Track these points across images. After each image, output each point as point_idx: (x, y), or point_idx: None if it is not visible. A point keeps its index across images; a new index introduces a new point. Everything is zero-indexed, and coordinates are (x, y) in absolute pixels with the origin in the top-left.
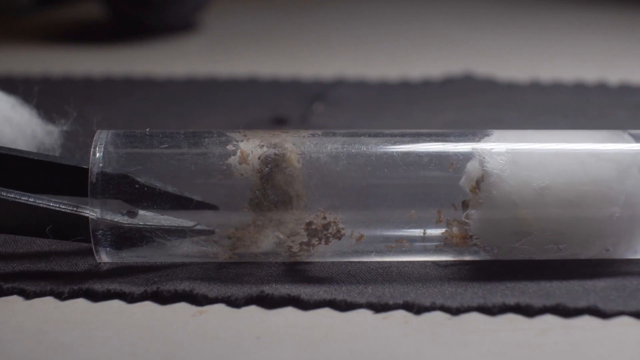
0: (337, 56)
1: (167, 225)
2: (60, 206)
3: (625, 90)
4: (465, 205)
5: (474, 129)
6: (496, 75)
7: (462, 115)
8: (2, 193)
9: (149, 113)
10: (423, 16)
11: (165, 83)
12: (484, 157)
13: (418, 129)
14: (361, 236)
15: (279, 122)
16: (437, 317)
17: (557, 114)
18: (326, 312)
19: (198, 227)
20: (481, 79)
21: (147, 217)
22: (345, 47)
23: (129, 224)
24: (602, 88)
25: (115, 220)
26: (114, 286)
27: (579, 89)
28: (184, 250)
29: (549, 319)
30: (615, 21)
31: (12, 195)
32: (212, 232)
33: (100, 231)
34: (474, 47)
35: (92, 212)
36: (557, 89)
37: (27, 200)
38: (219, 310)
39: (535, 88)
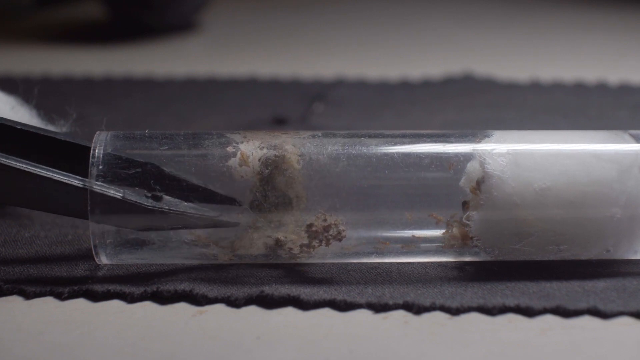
0: (337, 56)
1: (191, 213)
2: (87, 184)
3: (625, 90)
4: (465, 206)
5: (475, 130)
6: (496, 75)
7: (462, 116)
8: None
9: (148, 113)
10: (423, 16)
11: (166, 83)
12: (484, 158)
13: (418, 129)
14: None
15: (279, 122)
16: (437, 317)
17: (557, 114)
18: (326, 312)
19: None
20: (481, 79)
21: (172, 203)
22: (345, 47)
23: (153, 206)
24: (602, 88)
25: (140, 202)
26: (113, 286)
27: (579, 89)
28: (183, 252)
29: (549, 319)
30: (615, 21)
31: (24, 166)
32: (237, 225)
33: (101, 234)
34: (474, 47)
35: (116, 193)
36: (557, 89)
37: (40, 172)
38: (219, 310)
39: (536, 88)
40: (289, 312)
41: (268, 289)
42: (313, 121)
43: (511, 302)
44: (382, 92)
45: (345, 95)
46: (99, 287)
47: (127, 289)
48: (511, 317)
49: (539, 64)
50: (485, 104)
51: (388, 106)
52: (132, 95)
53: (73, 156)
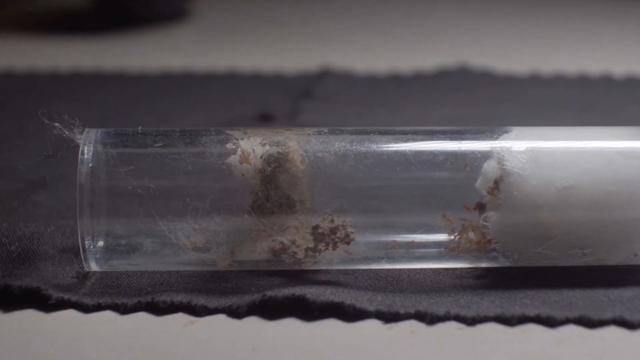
0: (323, 47)
1: None
2: None
3: (631, 83)
4: (480, 207)
5: (491, 126)
6: (494, 67)
7: (458, 111)
8: None
9: (123, 109)
10: (415, 4)
11: (138, 77)
12: (503, 156)
13: (412, 125)
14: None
15: (265, 119)
16: (445, 327)
17: (559, 109)
18: (326, 323)
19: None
20: (478, 71)
21: None
22: (331, 38)
23: None
24: (606, 81)
25: None
26: (104, 299)
27: (583, 82)
28: (180, 258)
29: (564, 329)
30: (620, 10)
31: None
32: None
33: (90, 237)
34: (470, 37)
35: None
36: (559, 82)
37: None
38: (213, 320)
39: (536, 81)
40: (287, 322)
41: (270, 293)
42: (301, 118)
43: (531, 311)
44: (371, 86)
45: (331, 90)
46: (88, 300)
47: (119, 300)
48: (524, 327)
49: (539, 56)
50: (482, 98)
51: (378, 101)
52: (101, 91)
53: None
